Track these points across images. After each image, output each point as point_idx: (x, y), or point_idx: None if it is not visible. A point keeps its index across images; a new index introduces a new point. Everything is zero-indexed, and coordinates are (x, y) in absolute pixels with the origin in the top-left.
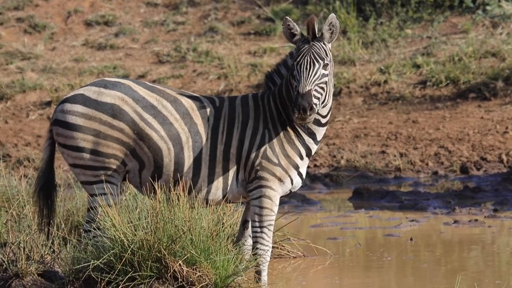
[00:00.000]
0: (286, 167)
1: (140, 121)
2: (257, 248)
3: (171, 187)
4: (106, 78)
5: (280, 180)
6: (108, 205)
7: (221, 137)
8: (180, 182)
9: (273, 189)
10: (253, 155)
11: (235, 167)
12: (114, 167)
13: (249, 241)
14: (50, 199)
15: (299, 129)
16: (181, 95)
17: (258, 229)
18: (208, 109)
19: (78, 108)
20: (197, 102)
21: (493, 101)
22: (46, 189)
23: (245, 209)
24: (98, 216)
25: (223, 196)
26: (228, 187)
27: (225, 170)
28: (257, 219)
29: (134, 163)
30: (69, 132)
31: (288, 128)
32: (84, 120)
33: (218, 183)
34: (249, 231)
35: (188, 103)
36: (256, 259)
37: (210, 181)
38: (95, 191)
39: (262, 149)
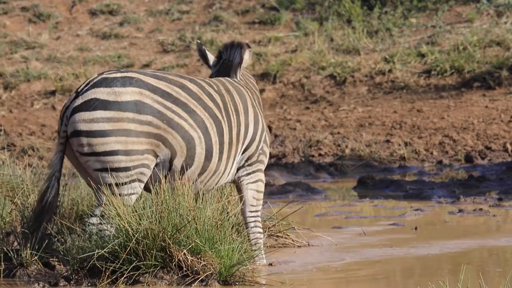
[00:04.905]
0: (268, 154)
1: (165, 110)
2: (258, 232)
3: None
4: (106, 75)
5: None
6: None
7: (233, 120)
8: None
9: (263, 173)
10: (257, 138)
11: (239, 149)
12: (148, 162)
13: None
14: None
15: None
16: (183, 79)
17: (255, 213)
18: (212, 92)
19: (100, 114)
20: (201, 85)
21: (497, 90)
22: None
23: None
24: (103, 206)
25: (230, 179)
26: (232, 170)
27: (235, 153)
28: (254, 203)
29: (165, 152)
30: (99, 139)
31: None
32: (112, 123)
33: (232, 167)
34: None
35: (194, 87)
36: (257, 243)
37: (228, 165)
38: (125, 191)
39: (264, 134)
